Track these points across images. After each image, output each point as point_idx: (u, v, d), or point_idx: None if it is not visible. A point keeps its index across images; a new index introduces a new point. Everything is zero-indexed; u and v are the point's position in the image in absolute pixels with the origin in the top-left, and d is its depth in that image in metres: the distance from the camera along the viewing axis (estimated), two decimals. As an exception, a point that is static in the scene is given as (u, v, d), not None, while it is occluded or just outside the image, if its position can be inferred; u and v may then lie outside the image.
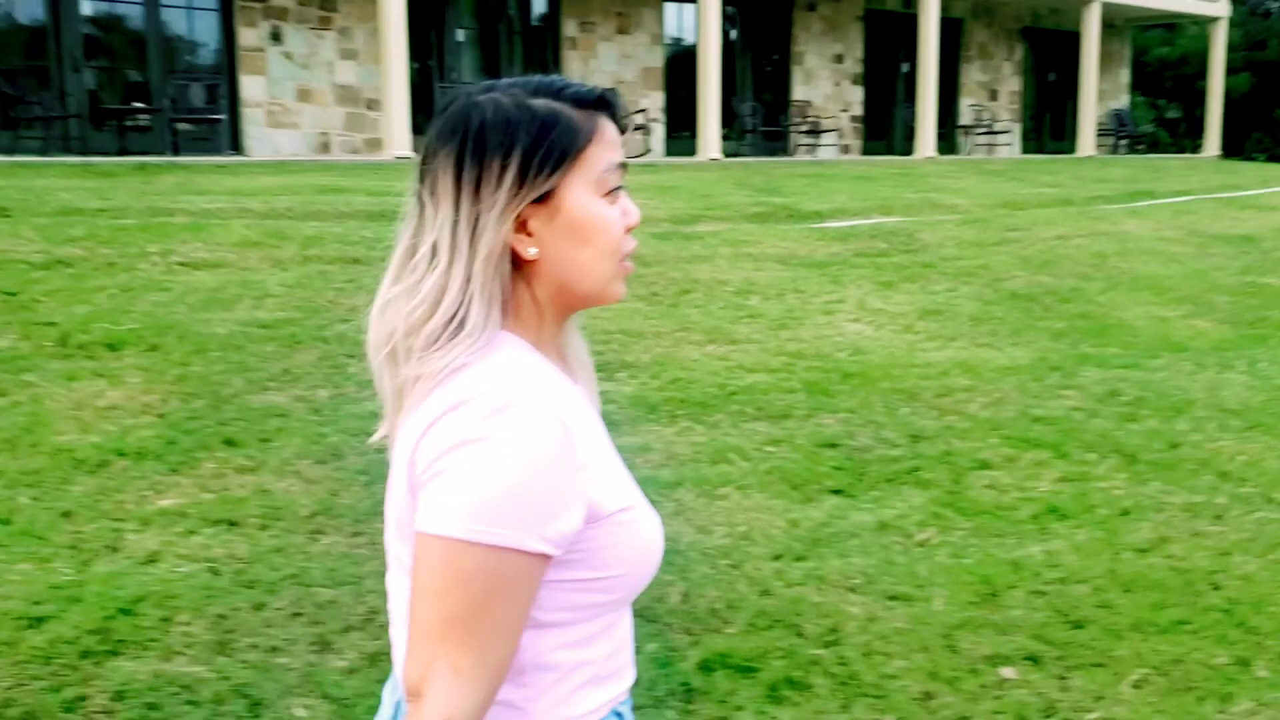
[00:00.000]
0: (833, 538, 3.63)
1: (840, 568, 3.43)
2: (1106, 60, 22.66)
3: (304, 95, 13.04)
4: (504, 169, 1.02)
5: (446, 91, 13.11)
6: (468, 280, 1.01)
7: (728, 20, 17.37)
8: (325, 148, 13.20)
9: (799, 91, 17.79)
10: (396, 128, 12.00)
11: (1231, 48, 39.72)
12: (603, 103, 1.08)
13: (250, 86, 12.69)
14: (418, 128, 13.28)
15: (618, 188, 1.08)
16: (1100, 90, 22.47)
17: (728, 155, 14.85)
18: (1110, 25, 22.46)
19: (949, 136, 20.01)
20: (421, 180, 1.05)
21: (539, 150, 1.02)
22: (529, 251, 1.04)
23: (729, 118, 16.53)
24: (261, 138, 12.79)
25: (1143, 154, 22.35)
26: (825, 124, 17.77)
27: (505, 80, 1.08)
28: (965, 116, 19.94)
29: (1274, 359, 5.83)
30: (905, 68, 19.04)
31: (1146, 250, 8.50)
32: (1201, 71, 40.23)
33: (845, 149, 18.38)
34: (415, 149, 12.96)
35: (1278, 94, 40.83)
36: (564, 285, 1.07)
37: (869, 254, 7.90)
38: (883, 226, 8.85)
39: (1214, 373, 5.52)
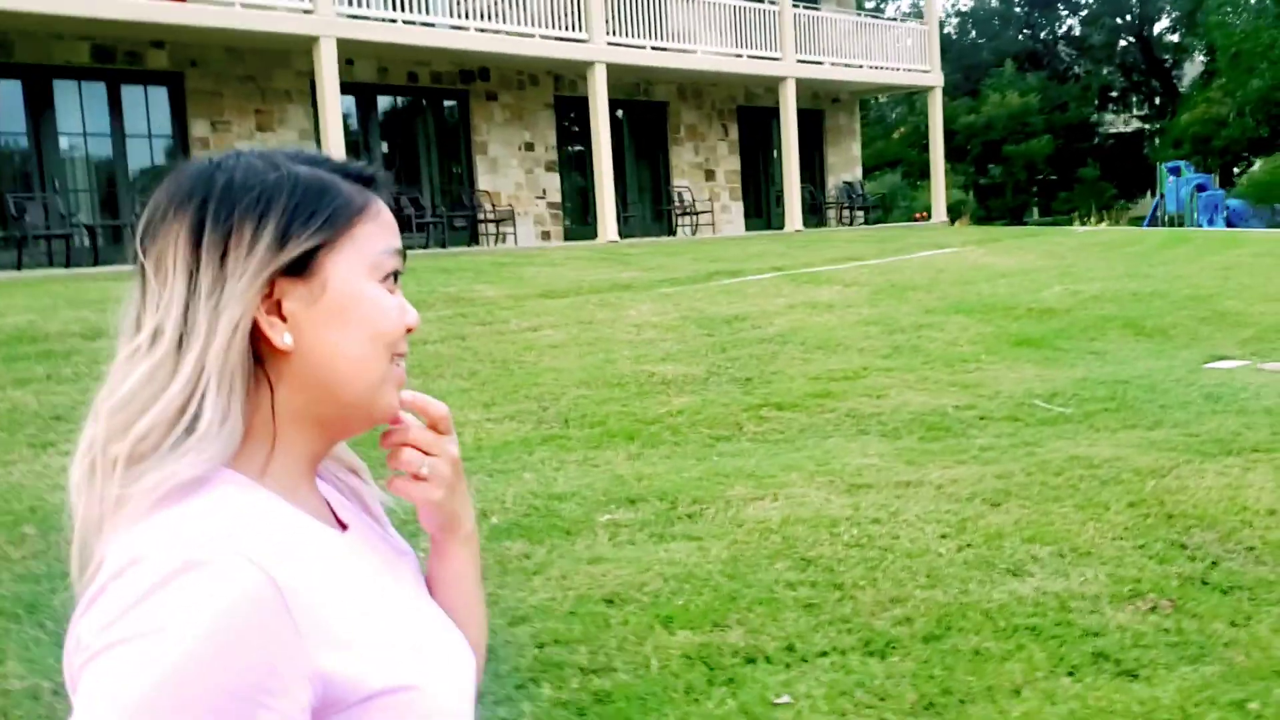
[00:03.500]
0: None
1: None
2: (836, 134, 22.83)
3: None
4: (259, 230, 0.82)
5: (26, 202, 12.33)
6: (200, 368, 0.79)
7: (405, 111, 17.06)
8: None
9: (484, 181, 17.45)
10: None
11: (1033, 111, 41.08)
12: (374, 181, 0.90)
13: None
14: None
15: (396, 274, 0.89)
16: (831, 164, 22.64)
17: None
18: (836, 100, 22.67)
19: (662, 218, 19.86)
20: (144, 254, 0.83)
21: (303, 214, 0.83)
22: (282, 339, 0.82)
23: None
24: None
25: (873, 223, 22.42)
26: (517, 212, 17.45)
27: (252, 149, 0.89)
28: (674, 197, 19.79)
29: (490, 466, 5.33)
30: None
31: (592, 339, 8.04)
32: (1007, 135, 41.40)
33: (545, 235, 18.06)
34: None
35: (1079, 154, 42.15)
36: (323, 389, 0.85)
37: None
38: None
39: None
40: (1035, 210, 43.60)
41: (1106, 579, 3.78)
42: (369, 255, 0.86)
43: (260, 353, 0.83)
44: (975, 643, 3.40)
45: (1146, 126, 45.65)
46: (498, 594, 3.87)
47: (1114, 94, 47.03)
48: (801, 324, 8.63)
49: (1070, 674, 3.21)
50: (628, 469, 5.26)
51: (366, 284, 0.86)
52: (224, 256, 0.81)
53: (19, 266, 12.49)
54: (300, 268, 0.83)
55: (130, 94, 14.10)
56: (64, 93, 13.56)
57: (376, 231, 0.88)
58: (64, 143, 13.65)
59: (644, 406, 6.37)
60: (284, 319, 0.84)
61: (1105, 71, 46.41)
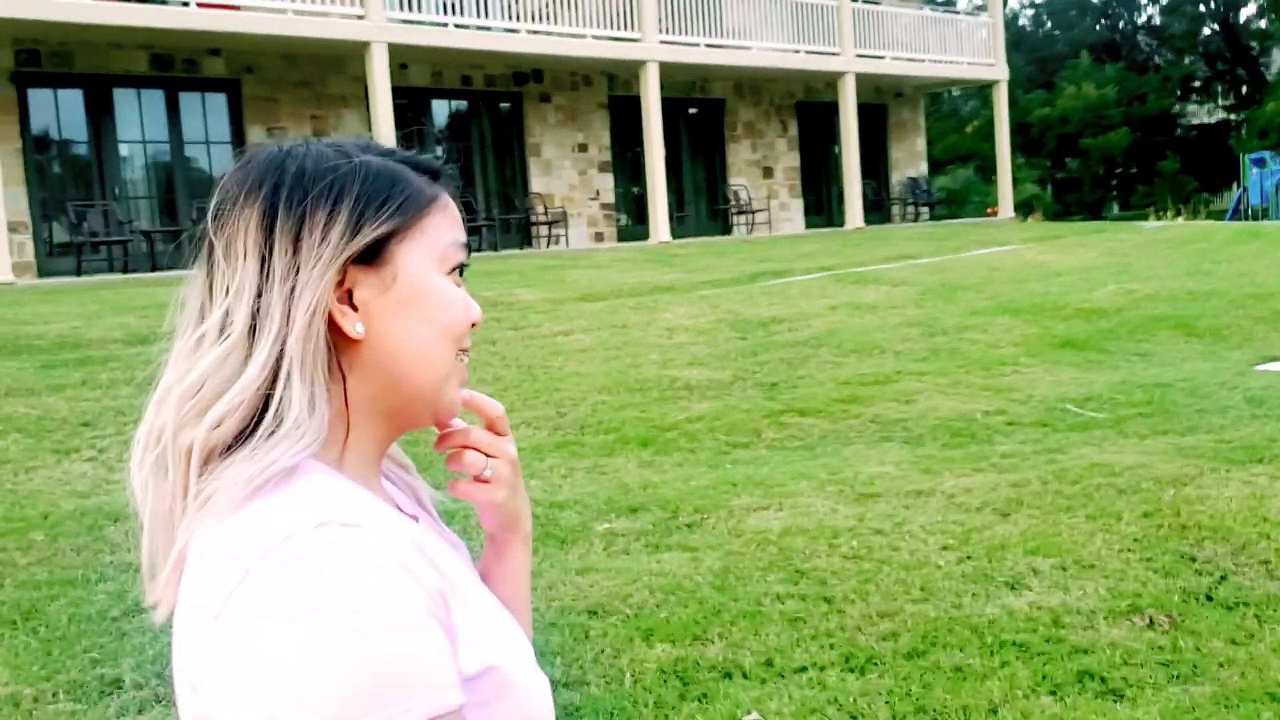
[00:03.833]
0: None
1: None
2: (900, 129, 22.49)
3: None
4: (333, 216, 0.81)
5: (82, 209, 12.69)
6: (278, 355, 0.79)
7: (459, 115, 17.18)
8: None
9: (537, 183, 17.49)
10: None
11: (1110, 103, 40.03)
12: (440, 174, 0.91)
13: None
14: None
15: (462, 267, 0.90)
16: (895, 159, 22.31)
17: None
18: (899, 94, 22.33)
19: (718, 217, 19.74)
20: (213, 238, 0.83)
21: (376, 202, 0.83)
22: (354, 328, 0.82)
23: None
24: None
25: (939, 220, 22.05)
26: (570, 213, 17.46)
27: (321, 140, 0.89)
28: (730, 196, 19.65)
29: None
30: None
31: (621, 344, 7.98)
32: (1083, 129, 40.37)
33: (599, 236, 18.06)
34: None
35: (1159, 146, 41.02)
36: (391, 379, 0.84)
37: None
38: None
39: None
40: (1114, 205, 42.52)
41: (1106, 593, 3.63)
42: (438, 247, 0.86)
43: (332, 342, 0.82)
44: (959, 659, 3.29)
45: (1231, 117, 44.18)
46: (482, 604, 3.84)
47: (1196, 84, 45.64)
48: (840, 326, 8.49)
49: (1052, 693, 3.09)
50: (635, 477, 5.20)
51: (435, 276, 0.86)
52: (297, 242, 0.81)
53: (78, 273, 12.81)
54: (372, 256, 0.83)
55: (188, 101, 14.39)
56: (123, 101, 13.89)
57: (445, 223, 0.88)
58: (123, 150, 13.97)
59: (663, 412, 6.31)
60: (355, 308, 0.83)
61: (1187, 61, 45.03)
